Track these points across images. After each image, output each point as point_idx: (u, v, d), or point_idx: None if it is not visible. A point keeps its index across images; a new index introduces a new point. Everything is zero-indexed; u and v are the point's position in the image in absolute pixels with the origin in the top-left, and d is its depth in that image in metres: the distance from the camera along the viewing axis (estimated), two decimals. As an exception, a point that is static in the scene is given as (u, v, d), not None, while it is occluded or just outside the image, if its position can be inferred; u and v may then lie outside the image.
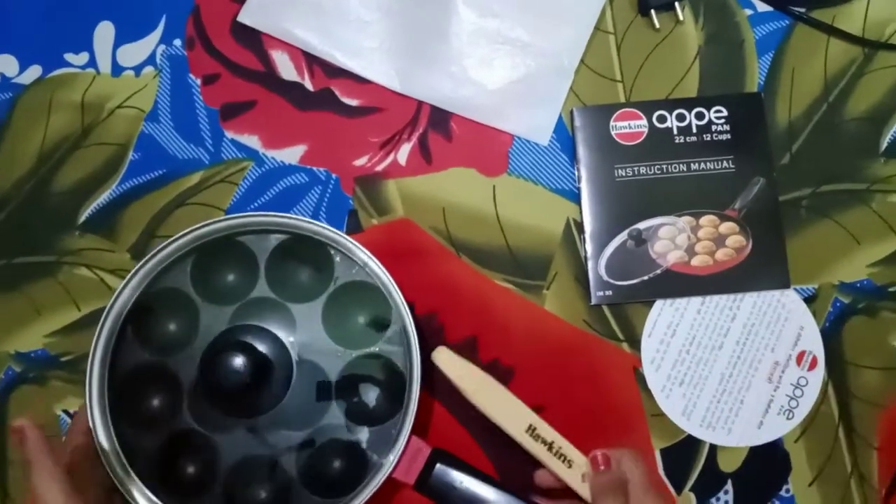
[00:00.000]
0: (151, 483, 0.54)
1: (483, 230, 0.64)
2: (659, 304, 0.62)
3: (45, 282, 0.65)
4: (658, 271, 0.62)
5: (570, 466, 0.52)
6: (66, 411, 0.63)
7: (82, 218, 0.65)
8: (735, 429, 0.60)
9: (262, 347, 0.55)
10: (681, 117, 0.64)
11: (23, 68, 0.68)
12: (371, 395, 0.57)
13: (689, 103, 0.64)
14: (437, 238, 0.64)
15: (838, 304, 0.62)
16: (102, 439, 0.53)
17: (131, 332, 0.57)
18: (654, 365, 0.61)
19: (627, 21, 0.66)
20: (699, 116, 0.64)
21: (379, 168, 0.65)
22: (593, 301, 0.62)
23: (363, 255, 0.56)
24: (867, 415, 0.61)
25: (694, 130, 0.64)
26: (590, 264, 0.62)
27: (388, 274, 0.55)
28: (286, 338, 0.56)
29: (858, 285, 0.62)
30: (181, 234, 0.56)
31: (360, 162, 0.65)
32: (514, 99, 0.65)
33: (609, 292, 0.62)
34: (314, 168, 0.65)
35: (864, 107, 0.64)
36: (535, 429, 0.52)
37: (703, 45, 0.65)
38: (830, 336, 0.61)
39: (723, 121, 0.64)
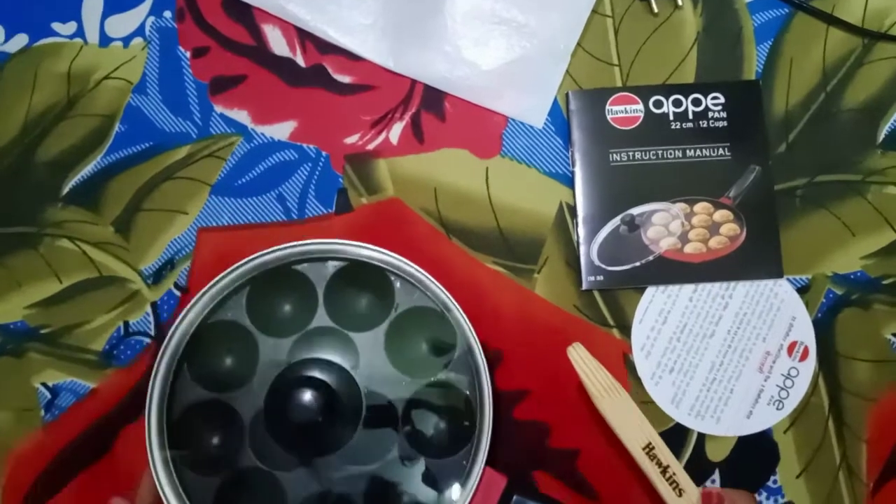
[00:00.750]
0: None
1: (474, 212, 0.63)
2: (651, 290, 0.61)
3: (25, 253, 0.63)
4: (650, 258, 0.61)
5: (679, 495, 0.50)
6: (44, 384, 0.62)
7: (66, 189, 0.64)
8: (724, 418, 0.59)
9: (330, 381, 0.54)
10: (677, 103, 0.63)
11: (8, 36, 0.66)
12: (440, 425, 0.55)
13: (686, 89, 0.63)
14: (427, 219, 0.63)
15: (831, 296, 0.61)
16: (163, 480, 0.53)
17: (187, 369, 0.55)
18: (644, 352, 0.60)
19: (625, 5, 0.65)
20: (696, 103, 0.63)
21: (370, 147, 0.64)
22: (584, 286, 0.61)
23: (424, 278, 0.54)
24: (857, 407, 0.60)
25: (690, 117, 0.63)
26: (582, 249, 0.61)
27: (451, 297, 0.54)
28: (351, 370, 0.55)
29: (852, 277, 0.61)
30: (235, 266, 0.55)
31: (351, 140, 0.64)
32: (508, 80, 0.64)
33: (600, 277, 0.61)
34: (304, 145, 0.64)
35: (862, 97, 0.64)
36: (653, 448, 0.51)
37: (701, 31, 0.65)
38: (823, 327, 0.61)
39: (720, 108, 0.63)
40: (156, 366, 0.54)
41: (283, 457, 0.54)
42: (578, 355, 0.52)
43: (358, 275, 0.56)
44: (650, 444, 0.51)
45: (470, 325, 0.54)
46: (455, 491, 0.53)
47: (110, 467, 0.60)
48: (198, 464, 0.54)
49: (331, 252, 0.56)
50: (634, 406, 0.51)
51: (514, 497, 0.52)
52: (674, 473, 0.51)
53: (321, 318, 0.56)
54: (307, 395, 0.52)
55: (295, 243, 0.55)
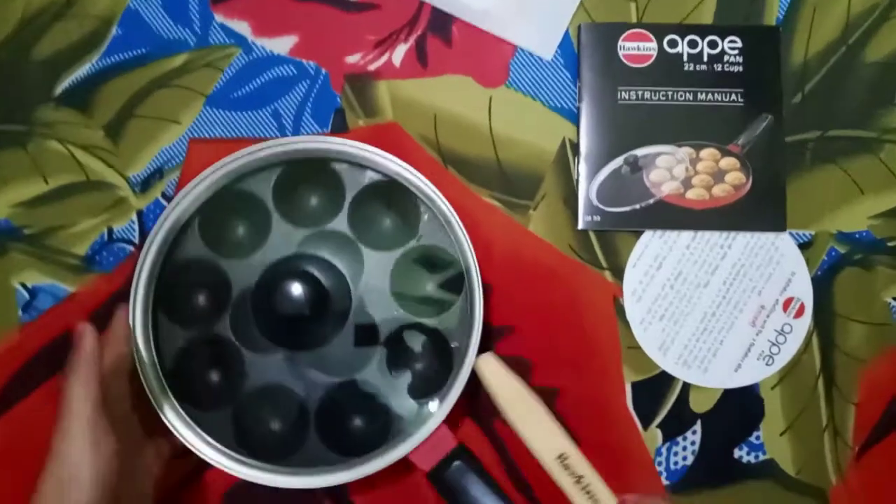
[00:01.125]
0: (173, 384, 0.53)
1: (474, 142, 0.61)
2: (648, 234, 0.59)
3: (14, 152, 0.62)
4: (651, 201, 0.59)
5: None
6: (23, 285, 0.60)
7: (59, 90, 0.63)
8: (711, 369, 0.58)
9: (326, 283, 0.53)
10: (693, 44, 0.61)
11: (9, -69, 0.64)
12: (416, 366, 0.55)
13: (702, 30, 0.61)
14: (424, 147, 0.61)
15: (833, 254, 0.59)
16: (138, 320, 0.53)
17: (198, 224, 0.55)
18: (635, 296, 0.59)
19: (647, -62, 0.62)
20: (712, 45, 0.61)
21: (371, 67, 0.62)
22: (580, 225, 0.60)
23: (452, 218, 0.53)
24: (850, 369, 0.58)
25: (705, 59, 0.60)
26: (581, 187, 0.60)
27: (473, 252, 0.53)
28: (351, 281, 0.54)
29: (857, 236, 0.60)
30: (276, 142, 0.54)
31: (353, 59, 0.62)
32: (519, 9, 0.62)
33: (597, 218, 0.59)
34: (304, 61, 0.62)
35: (884, 53, 0.61)
36: (566, 458, 0.48)
37: (724, -29, 0.62)
38: (821, 285, 0.59)
39: (736, 52, 0.61)
40: (166, 212, 0.54)
41: (256, 338, 0.54)
42: (487, 366, 0.49)
43: (392, 193, 0.55)
44: (563, 454, 0.48)
45: (480, 281, 0.53)
46: (406, 433, 0.52)
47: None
48: (175, 314, 0.55)
49: (373, 162, 0.55)
50: (547, 415, 0.48)
51: (456, 462, 0.52)
52: (588, 484, 0.48)
53: (340, 223, 0.55)
54: (298, 287, 0.51)
55: (340, 140, 0.54)
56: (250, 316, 0.54)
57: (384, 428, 0.53)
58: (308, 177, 0.56)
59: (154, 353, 0.53)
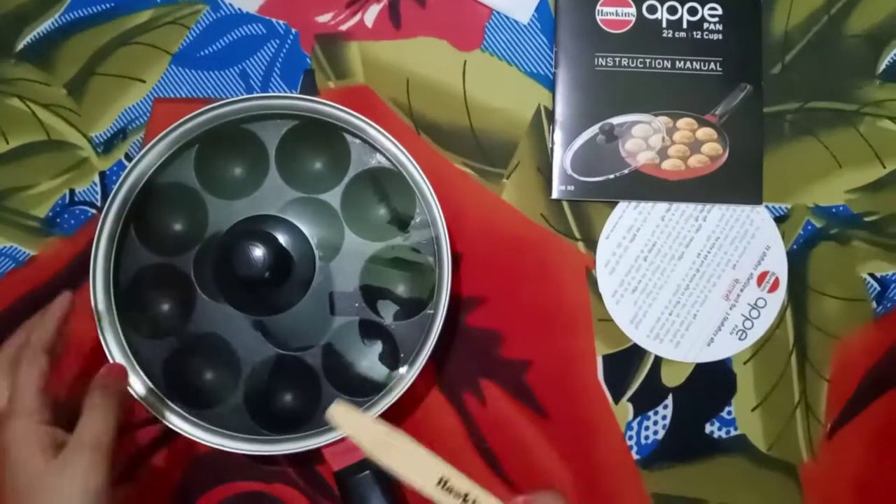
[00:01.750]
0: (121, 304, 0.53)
1: (447, 108, 0.59)
2: (622, 205, 0.58)
3: (-29, 109, 0.60)
4: (626, 171, 0.58)
5: None
6: (-21, 245, 0.59)
7: (20, 45, 0.61)
8: (683, 343, 0.57)
9: (293, 254, 0.52)
10: (672, 10, 0.59)
11: None
12: (370, 353, 0.54)
13: (683, -3, 0.59)
14: (396, 111, 0.59)
15: (810, 227, 0.58)
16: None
17: (196, 152, 0.53)
18: (608, 268, 0.58)
19: None
20: (692, 12, 0.59)
21: (343, 28, 0.60)
22: (554, 195, 0.58)
23: (386, 140, 0.52)
24: (823, 345, 0.58)
25: (684, 26, 0.59)
26: (555, 156, 0.58)
27: (442, 219, 0.51)
28: (322, 259, 0.53)
29: (834, 210, 0.59)
30: (179, 122, 0.52)
31: (324, 19, 0.60)
32: (497, -29, 0.60)
33: (571, 187, 0.58)
34: (273, 20, 0.60)
35: (867, 25, 0.60)
36: (446, 481, 0.46)
37: (706, -63, 0.60)
38: (797, 259, 0.58)
39: (716, 20, 0.59)
40: (96, 233, 0.52)
41: (213, 286, 0.53)
42: (341, 415, 0.46)
43: (393, 185, 0.53)
44: (443, 478, 0.46)
45: (448, 245, 0.51)
46: (331, 427, 0.51)
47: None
48: (145, 235, 0.53)
49: (280, 108, 0.53)
50: (415, 445, 0.46)
51: (366, 471, 0.51)
52: (475, 498, 0.46)
53: (334, 196, 0.53)
54: (257, 251, 0.49)
55: (247, 97, 0.52)
56: (210, 263, 0.52)
57: (309, 412, 0.52)
58: (319, 139, 0.54)
59: (111, 267, 0.52)
